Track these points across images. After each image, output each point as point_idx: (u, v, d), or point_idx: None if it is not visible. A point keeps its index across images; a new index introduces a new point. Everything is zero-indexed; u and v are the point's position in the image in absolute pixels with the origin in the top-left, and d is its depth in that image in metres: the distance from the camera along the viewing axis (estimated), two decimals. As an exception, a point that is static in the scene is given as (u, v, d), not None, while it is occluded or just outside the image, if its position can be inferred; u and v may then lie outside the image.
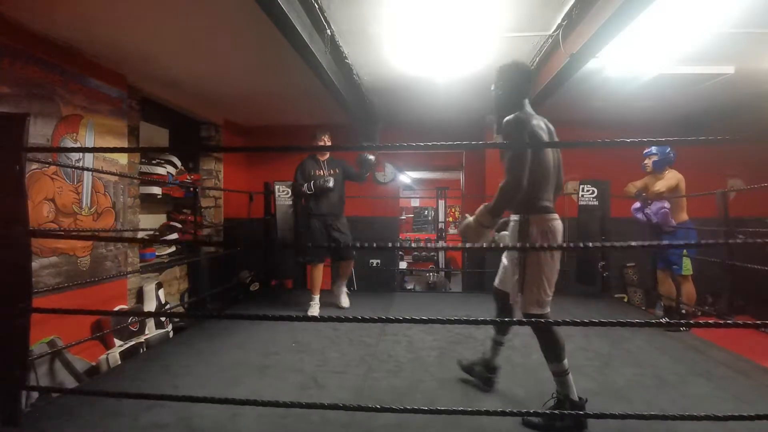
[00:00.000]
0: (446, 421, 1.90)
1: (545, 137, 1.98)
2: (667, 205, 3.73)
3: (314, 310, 3.82)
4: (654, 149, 3.85)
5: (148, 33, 3.07)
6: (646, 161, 3.91)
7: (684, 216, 3.81)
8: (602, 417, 1.30)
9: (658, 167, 3.83)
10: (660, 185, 3.71)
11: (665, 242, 3.66)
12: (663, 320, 3.64)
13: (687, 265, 3.71)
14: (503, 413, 1.34)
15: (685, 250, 3.69)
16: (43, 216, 2.97)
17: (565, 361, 1.87)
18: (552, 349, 1.87)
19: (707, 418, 1.28)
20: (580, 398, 1.80)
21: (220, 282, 4.95)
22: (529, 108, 2.06)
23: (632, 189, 4.10)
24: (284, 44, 2.72)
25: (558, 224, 2.00)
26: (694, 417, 1.30)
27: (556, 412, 1.58)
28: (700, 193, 3.70)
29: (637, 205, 3.95)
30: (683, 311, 3.67)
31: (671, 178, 3.75)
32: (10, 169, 1.72)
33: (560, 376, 1.86)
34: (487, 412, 1.37)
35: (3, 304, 1.76)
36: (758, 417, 1.27)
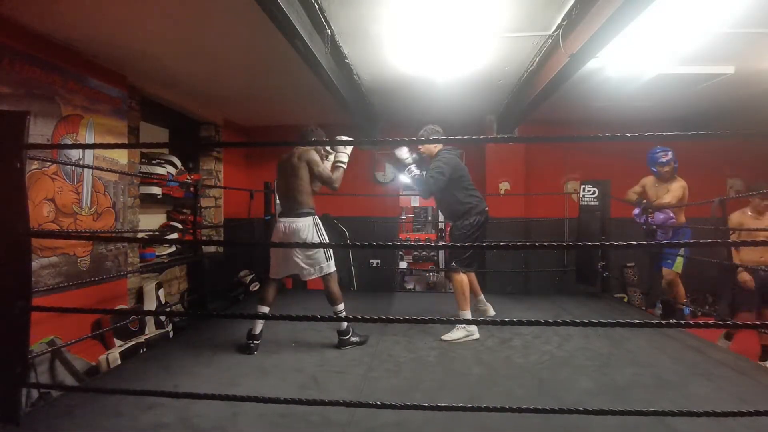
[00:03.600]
0: (446, 419, 1.91)
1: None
2: (673, 217, 3.77)
3: (472, 328, 3.15)
4: (670, 155, 3.85)
5: (147, 33, 3.08)
6: (666, 169, 3.87)
7: (682, 218, 3.86)
8: (602, 413, 1.30)
9: (674, 173, 3.88)
10: (669, 197, 3.75)
11: (665, 241, 3.71)
12: (673, 320, 3.67)
13: (679, 264, 3.82)
14: (503, 409, 1.34)
15: (681, 250, 3.74)
16: (43, 216, 2.97)
17: (265, 308, 2.91)
18: (261, 294, 3.01)
19: (706, 414, 1.28)
20: (261, 332, 2.86)
21: (220, 282, 4.95)
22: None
23: (632, 196, 4.13)
24: (284, 44, 2.73)
25: (276, 225, 3.00)
26: (693, 413, 1.30)
27: None
28: (700, 201, 3.73)
29: (638, 211, 3.98)
30: (677, 306, 3.79)
31: (679, 188, 3.81)
32: (11, 167, 1.72)
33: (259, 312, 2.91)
34: (487, 408, 1.37)
35: (3, 303, 1.76)
36: (757, 413, 1.27)
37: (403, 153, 3.28)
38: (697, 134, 1.44)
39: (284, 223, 2.91)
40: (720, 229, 3.33)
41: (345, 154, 3.03)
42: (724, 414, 1.31)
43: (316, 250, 2.89)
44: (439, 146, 3.30)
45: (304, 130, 3.04)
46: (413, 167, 3.25)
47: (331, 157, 3.08)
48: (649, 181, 4.07)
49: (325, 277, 2.93)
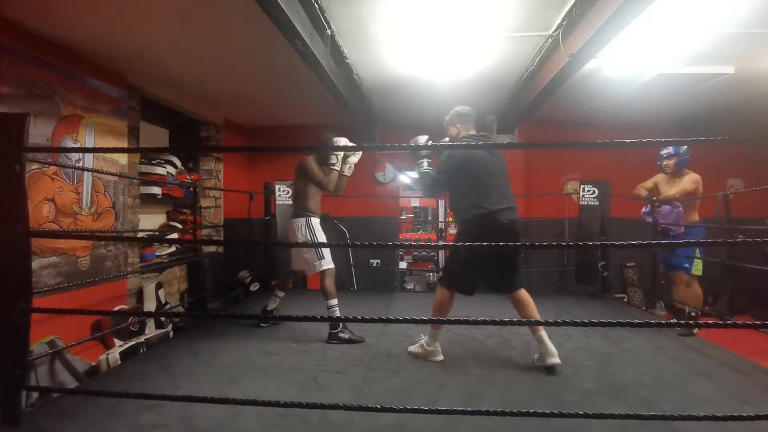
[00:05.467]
0: (446, 420, 1.91)
1: None
2: (680, 207, 3.68)
3: (434, 349, 2.73)
4: (672, 150, 3.76)
5: (148, 33, 3.07)
6: (666, 162, 3.79)
7: (695, 216, 3.74)
8: (602, 417, 1.30)
9: (680, 168, 3.77)
10: (674, 190, 3.66)
11: (665, 241, 3.66)
12: (673, 320, 3.57)
13: (698, 266, 3.65)
14: (503, 413, 1.34)
15: (697, 251, 3.62)
16: (43, 216, 2.97)
17: (281, 293, 3.49)
18: (280, 280, 3.62)
19: (706, 418, 1.28)
20: (275, 309, 3.48)
21: (220, 282, 4.95)
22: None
23: (642, 192, 4.03)
24: (284, 44, 2.72)
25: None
26: (694, 417, 1.30)
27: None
28: (702, 195, 3.69)
29: (647, 209, 3.91)
30: (692, 313, 3.62)
31: (688, 182, 3.67)
32: (11, 169, 1.72)
33: (275, 295, 3.47)
34: (487, 412, 1.37)
35: (3, 304, 1.76)
36: (758, 417, 1.27)
37: (421, 141, 2.76)
38: (697, 140, 1.44)
39: (289, 222, 3.38)
40: (725, 228, 3.30)
41: (333, 156, 3.23)
42: (724, 418, 1.31)
43: (308, 248, 3.21)
44: (463, 132, 2.76)
45: (321, 137, 3.39)
46: (425, 162, 2.76)
47: (349, 160, 3.34)
48: (661, 178, 3.95)
49: (321, 273, 3.18)
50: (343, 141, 3.23)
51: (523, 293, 2.65)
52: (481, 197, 2.58)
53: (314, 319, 1.77)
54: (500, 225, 2.55)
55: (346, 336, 3.07)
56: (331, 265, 3.20)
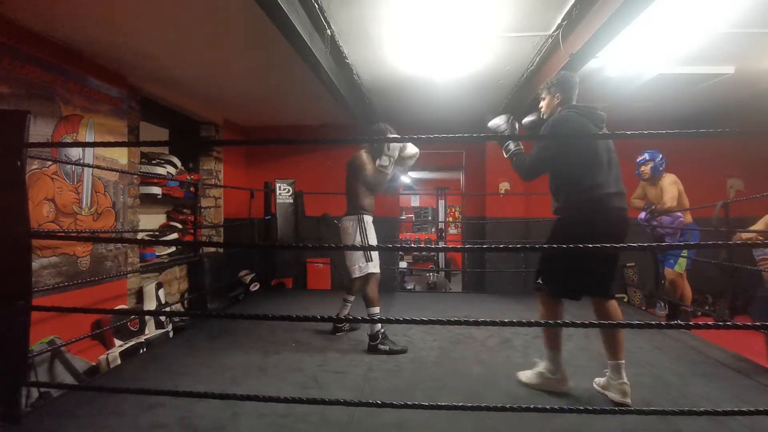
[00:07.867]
0: (446, 420, 1.90)
1: None
2: (681, 216, 3.76)
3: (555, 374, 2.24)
4: (647, 155, 3.87)
5: (148, 33, 3.08)
6: (642, 169, 3.91)
7: (688, 218, 3.84)
8: (602, 413, 1.30)
9: (656, 173, 3.85)
10: (667, 199, 3.72)
11: (665, 243, 3.71)
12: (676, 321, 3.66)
13: (681, 263, 3.80)
14: (503, 408, 1.34)
15: (685, 251, 3.72)
16: (43, 216, 2.97)
17: (350, 297, 3.23)
18: (348, 284, 3.23)
19: (707, 413, 1.29)
20: (346, 315, 3.16)
21: (220, 282, 4.95)
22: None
23: (639, 203, 4.12)
24: (284, 44, 2.73)
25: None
26: (694, 412, 1.30)
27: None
28: (703, 205, 3.72)
29: (644, 216, 3.96)
30: (681, 306, 3.74)
31: (671, 185, 3.77)
32: (11, 166, 1.72)
33: (345, 300, 3.24)
34: (487, 407, 1.37)
35: (3, 303, 1.76)
36: (757, 412, 1.27)
37: (500, 123, 2.42)
38: (697, 132, 1.44)
39: (341, 221, 3.12)
40: (720, 230, 3.33)
41: (386, 156, 2.93)
42: (724, 413, 1.31)
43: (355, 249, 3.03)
44: (566, 102, 2.28)
45: (374, 127, 3.14)
46: (510, 144, 2.34)
47: (393, 154, 2.99)
48: (644, 184, 4.09)
49: (365, 277, 3.00)
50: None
51: (616, 303, 2.20)
52: (597, 178, 2.09)
53: (314, 318, 1.77)
54: (614, 213, 2.10)
55: (387, 348, 2.86)
56: (377, 270, 3.02)
